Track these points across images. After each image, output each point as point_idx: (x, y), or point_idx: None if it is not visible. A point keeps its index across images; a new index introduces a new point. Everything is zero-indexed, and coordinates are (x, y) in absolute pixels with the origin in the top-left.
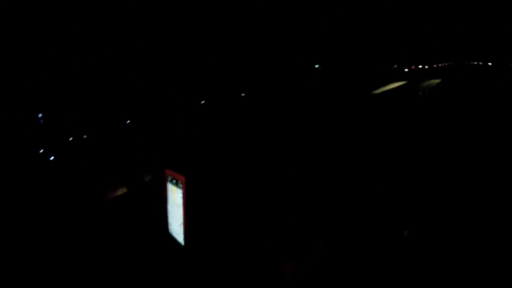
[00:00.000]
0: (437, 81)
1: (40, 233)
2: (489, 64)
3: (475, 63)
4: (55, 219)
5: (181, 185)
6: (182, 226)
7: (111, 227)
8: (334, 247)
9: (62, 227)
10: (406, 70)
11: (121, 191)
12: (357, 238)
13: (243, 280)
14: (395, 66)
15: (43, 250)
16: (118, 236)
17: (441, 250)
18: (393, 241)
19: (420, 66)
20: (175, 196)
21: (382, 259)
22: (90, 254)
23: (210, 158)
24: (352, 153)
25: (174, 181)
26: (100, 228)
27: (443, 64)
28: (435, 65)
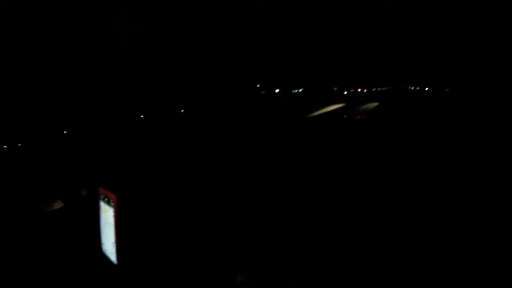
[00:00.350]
0: (375, 104)
1: None
2: (426, 88)
3: (412, 87)
4: None
5: (112, 204)
6: (114, 245)
7: (43, 243)
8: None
9: None
10: (345, 93)
11: (56, 205)
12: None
13: None
14: (335, 88)
15: None
16: (50, 253)
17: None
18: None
19: (359, 89)
20: (107, 215)
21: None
22: (20, 270)
23: (144, 175)
24: (289, 176)
25: (106, 199)
26: (32, 244)
27: (381, 88)
28: (373, 89)
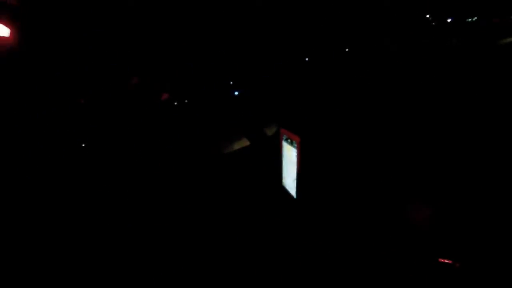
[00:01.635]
0: None
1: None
2: None
3: None
4: (176, 166)
5: (295, 145)
6: (295, 181)
7: (230, 179)
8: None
9: (184, 174)
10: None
11: (243, 143)
12: None
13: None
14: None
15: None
16: (236, 187)
17: None
18: None
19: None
20: (290, 154)
21: None
22: (210, 201)
23: (323, 119)
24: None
25: (289, 140)
26: (220, 178)
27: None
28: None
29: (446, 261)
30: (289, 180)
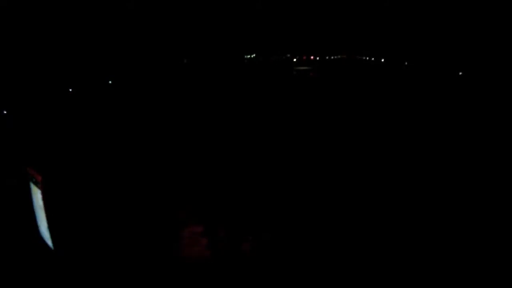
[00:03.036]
0: (325, 68)
1: None
2: (382, 60)
3: (367, 58)
4: None
5: (39, 185)
6: (48, 229)
7: None
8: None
9: None
10: (295, 60)
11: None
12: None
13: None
14: (288, 55)
15: None
16: None
17: None
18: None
19: (312, 57)
20: (37, 197)
21: None
22: None
23: (72, 153)
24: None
25: (34, 180)
26: None
27: (334, 56)
28: (326, 57)
29: None
30: (43, 228)
